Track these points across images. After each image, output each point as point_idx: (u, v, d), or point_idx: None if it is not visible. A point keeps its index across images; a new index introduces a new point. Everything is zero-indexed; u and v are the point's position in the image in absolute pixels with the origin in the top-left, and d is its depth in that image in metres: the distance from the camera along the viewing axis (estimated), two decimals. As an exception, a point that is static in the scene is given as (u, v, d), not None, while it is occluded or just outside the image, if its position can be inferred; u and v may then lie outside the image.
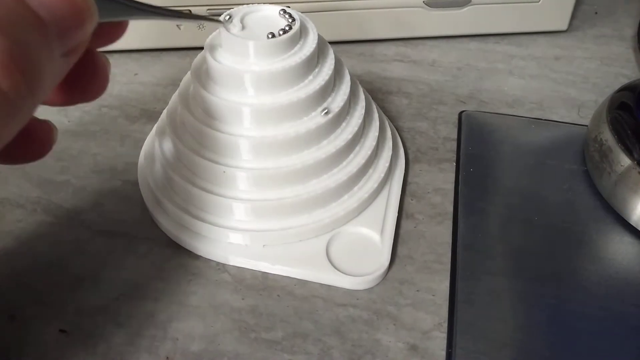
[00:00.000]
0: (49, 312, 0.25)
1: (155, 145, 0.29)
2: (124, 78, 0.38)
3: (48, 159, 0.32)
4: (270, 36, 0.25)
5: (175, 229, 0.27)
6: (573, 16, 0.42)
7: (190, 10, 0.37)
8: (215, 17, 0.25)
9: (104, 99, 0.36)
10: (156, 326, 0.25)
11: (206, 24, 0.35)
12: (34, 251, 0.27)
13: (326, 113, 0.26)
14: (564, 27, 0.42)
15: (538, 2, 0.40)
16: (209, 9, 0.37)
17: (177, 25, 0.38)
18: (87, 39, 0.17)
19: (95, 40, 0.19)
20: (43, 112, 0.19)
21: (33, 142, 0.20)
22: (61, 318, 0.25)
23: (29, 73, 0.15)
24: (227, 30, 0.25)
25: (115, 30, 0.20)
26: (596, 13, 0.45)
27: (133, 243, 0.28)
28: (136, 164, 0.31)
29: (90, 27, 0.16)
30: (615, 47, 0.41)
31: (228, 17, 0.25)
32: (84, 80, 0.20)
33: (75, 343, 0.24)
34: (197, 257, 0.27)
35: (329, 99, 0.27)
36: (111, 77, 0.37)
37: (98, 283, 0.26)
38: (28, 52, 0.14)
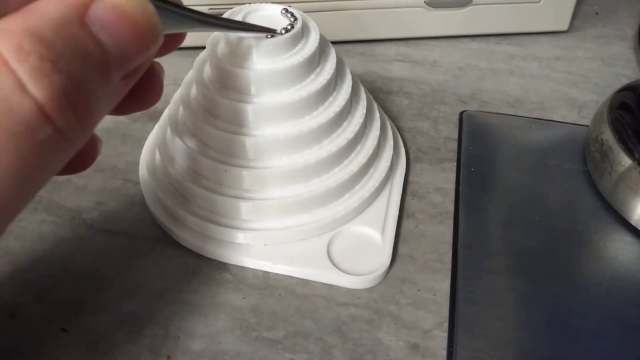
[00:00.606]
0: (51, 310, 0.25)
1: (156, 144, 0.29)
2: (126, 77, 0.38)
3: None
4: (271, 35, 0.25)
5: (177, 228, 0.27)
6: (574, 16, 0.42)
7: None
8: (271, 28, 0.25)
9: (106, 98, 0.36)
10: (157, 325, 0.25)
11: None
12: (35, 250, 0.27)
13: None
14: (565, 27, 0.42)
15: (539, 2, 0.40)
16: (210, 8, 0.37)
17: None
18: (150, 61, 0.16)
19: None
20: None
21: (80, 155, 0.20)
22: (62, 316, 0.25)
23: (83, 107, 0.14)
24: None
25: (175, 40, 0.19)
26: (597, 13, 0.45)
27: (134, 242, 0.28)
28: (137, 163, 0.31)
29: (154, 49, 0.15)
30: (616, 47, 0.41)
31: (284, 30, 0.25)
32: (141, 90, 0.19)
33: (77, 342, 0.24)
34: (199, 256, 0.27)
35: (331, 98, 0.27)
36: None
37: (99, 282, 0.26)
38: (84, 86, 0.14)
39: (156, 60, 0.19)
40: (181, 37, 0.20)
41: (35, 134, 0.13)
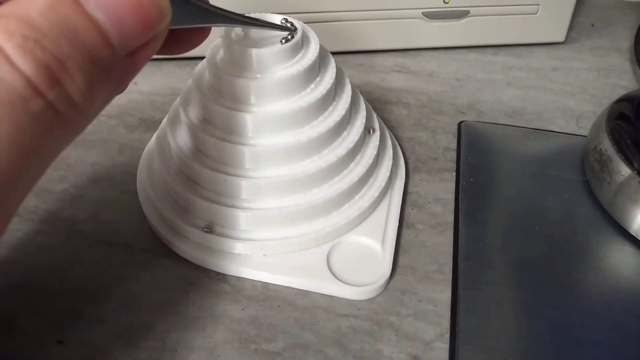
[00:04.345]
0: (46, 322, 0.25)
1: (154, 154, 0.29)
2: (123, 87, 0.37)
3: (46, 168, 0.32)
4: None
5: (175, 239, 0.27)
6: (570, 28, 0.42)
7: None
8: (287, 26, 0.25)
9: (103, 108, 0.36)
10: (155, 337, 0.24)
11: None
12: (31, 261, 0.27)
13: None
14: (562, 38, 0.42)
15: (536, 13, 0.40)
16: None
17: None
18: (161, 36, 0.16)
19: (175, 46, 0.19)
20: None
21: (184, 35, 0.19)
22: (58, 329, 0.24)
23: (75, 83, 0.14)
24: (229, 38, 0.25)
25: (198, 35, 0.20)
26: (593, 25, 0.45)
27: (131, 253, 0.27)
28: (135, 173, 0.31)
29: (160, 27, 0.16)
30: (612, 59, 0.42)
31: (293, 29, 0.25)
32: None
33: (73, 354, 0.24)
34: (196, 267, 0.27)
35: (330, 108, 0.27)
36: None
37: (96, 293, 0.26)
38: (74, 63, 0.14)
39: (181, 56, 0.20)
40: (204, 34, 0.20)
41: (27, 105, 0.13)
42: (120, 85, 0.16)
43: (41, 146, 0.14)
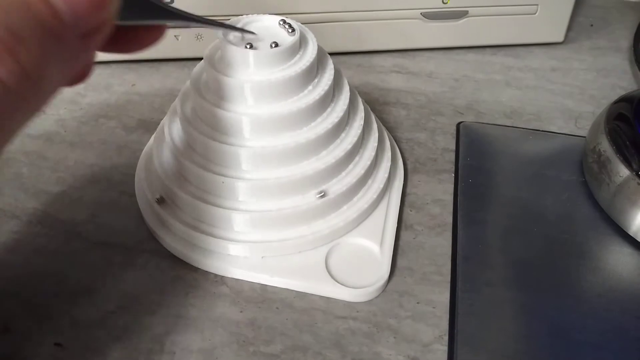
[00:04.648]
0: (45, 324, 0.25)
1: (153, 156, 0.29)
2: (122, 88, 0.37)
3: (44, 170, 0.32)
4: (273, 45, 0.25)
5: (173, 241, 0.27)
6: (569, 28, 0.42)
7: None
8: (249, 30, 0.25)
9: (101, 108, 0.36)
10: (153, 340, 0.24)
11: (205, 34, 0.35)
12: (29, 263, 0.27)
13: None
14: (561, 39, 0.42)
15: (534, 14, 0.40)
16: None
17: (175, 36, 0.38)
18: (110, 20, 0.16)
19: (129, 44, 0.19)
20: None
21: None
22: (57, 331, 0.24)
23: (27, 57, 0.14)
24: (227, 40, 0.25)
25: (152, 34, 0.19)
26: (592, 25, 0.45)
27: (130, 255, 0.27)
28: (133, 175, 0.31)
29: (109, 11, 0.16)
30: (611, 59, 0.42)
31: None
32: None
33: (71, 356, 0.24)
34: (195, 269, 0.27)
35: (329, 109, 0.27)
36: (108, 87, 0.37)
37: (94, 295, 0.26)
38: (26, 37, 0.14)
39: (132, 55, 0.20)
40: (159, 32, 0.20)
41: None
42: (72, 64, 0.16)
43: None
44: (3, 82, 0.14)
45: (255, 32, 0.25)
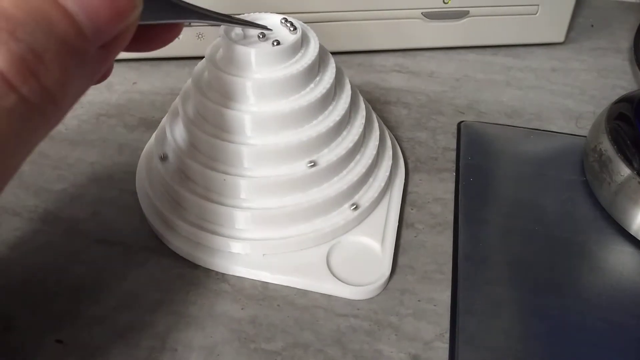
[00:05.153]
0: (46, 322, 0.25)
1: (154, 153, 0.29)
2: (123, 87, 0.37)
3: (45, 168, 0.32)
4: (275, 44, 0.25)
5: (174, 239, 0.27)
6: (570, 28, 0.42)
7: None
8: (262, 24, 0.25)
9: (102, 107, 0.36)
10: (154, 337, 0.24)
11: (205, 32, 0.35)
12: (31, 260, 0.27)
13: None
14: (561, 39, 0.42)
15: (535, 14, 0.40)
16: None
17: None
18: (132, 28, 0.16)
19: (146, 42, 0.19)
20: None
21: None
22: (58, 328, 0.24)
23: (49, 75, 0.14)
24: (229, 38, 0.25)
25: (169, 32, 0.20)
26: (592, 26, 0.45)
27: (131, 252, 0.27)
28: (134, 172, 0.31)
29: (131, 19, 0.16)
30: (611, 59, 0.42)
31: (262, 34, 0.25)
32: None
33: (72, 354, 0.24)
34: (196, 266, 0.27)
35: (330, 108, 0.27)
36: (109, 85, 0.37)
37: (95, 293, 0.26)
38: (48, 55, 0.14)
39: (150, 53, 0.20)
40: (178, 29, 0.20)
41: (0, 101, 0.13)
42: (93, 76, 0.16)
43: (15, 140, 0.14)
44: (28, 102, 0.14)
45: (272, 29, 0.25)
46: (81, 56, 0.15)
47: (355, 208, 0.27)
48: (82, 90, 0.16)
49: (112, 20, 0.15)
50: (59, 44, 0.14)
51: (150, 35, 0.19)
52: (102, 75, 0.18)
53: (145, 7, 0.16)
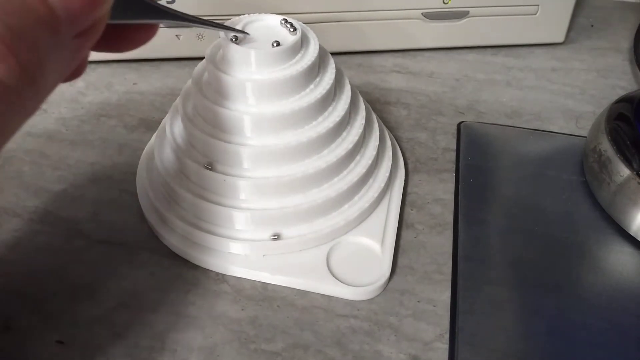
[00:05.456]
0: (46, 322, 0.25)
1: (154, 154, 0.29)
2: (123, 87, 0.37)
3: (45, 168, 0.32)
4: (275, 44, 0.25)
5: (174, 239, 0.27)
6: (569, 28, 0.42)
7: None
8: (242, 30, 0.25)
9: (102, 107, 0.36)
10: (154, 337, 0.24)
11: (206, 33, 0.35)
12: (31, 261, 0.27)
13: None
14: (561, 39, 0.42)
15: (535, 14, 0.40)
16: (210, 19, 0.37)
17: (176, 36, 0.38)
18: (104, 18, 0.16)
19: (120, 43, 0.19)
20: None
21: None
22: (58, 328, 0.24)
23: (26, 56, 0.14)
24: (229, 39, 0.25)
25: (144, 33, 0.20)
26: (592, 26, 0.45)
27: (131, 253, 0.27)
28: (134, 173, 0.31)
29: (103, 10, 0.16)
30: (611, 59, 0.42)
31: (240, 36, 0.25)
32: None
33: (72, 354, 0.24)
34: (196, 267, 0.27)
35: (330, 108, 0.27)
36: (109, 86, 0.37)
37: (95, 293, 0.26)
38: (26, 37, 0.14)
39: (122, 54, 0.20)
40: (151, 31, 0.20)
41: None
42: (68, 64, 0.16)
43: None
44: (3, 81, 0.14)
45: (249, 33, 0.25)
46: (56, 38, 0.15)
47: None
48: (58, 76, 0.16)
49: (83, 6, 0.15)
50: (33, 23, 0.14)
51: (124, 35, 0.19)
52: (76, 71, 0.19)
53: (116, 6, 0.16)
